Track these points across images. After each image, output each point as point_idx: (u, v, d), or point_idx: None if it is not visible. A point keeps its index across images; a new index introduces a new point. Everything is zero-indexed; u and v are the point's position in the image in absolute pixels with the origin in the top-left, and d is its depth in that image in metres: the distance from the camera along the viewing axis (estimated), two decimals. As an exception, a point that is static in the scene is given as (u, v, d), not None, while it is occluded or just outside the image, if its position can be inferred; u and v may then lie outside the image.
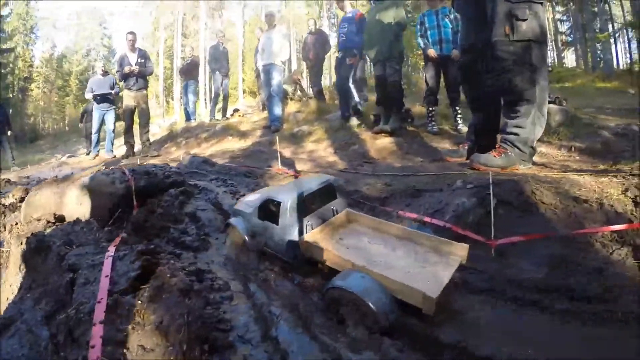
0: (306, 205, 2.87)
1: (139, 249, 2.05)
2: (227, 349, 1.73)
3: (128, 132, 11.60)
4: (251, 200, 3.21)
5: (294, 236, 2.73)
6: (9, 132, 15.17)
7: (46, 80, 47.34)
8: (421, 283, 2.16)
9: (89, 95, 12.31)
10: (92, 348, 1.51)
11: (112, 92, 12.16)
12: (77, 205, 3.97)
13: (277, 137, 5.30)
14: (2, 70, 36.06)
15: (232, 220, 3.18)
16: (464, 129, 7.41)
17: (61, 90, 48.42)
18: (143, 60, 10.95)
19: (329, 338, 1.94)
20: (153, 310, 1.63)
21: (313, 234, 2.79)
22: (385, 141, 7.23)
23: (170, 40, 31.84)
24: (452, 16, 7.64)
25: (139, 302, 1.67)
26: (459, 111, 7.77)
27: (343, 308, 2.16)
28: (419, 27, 8.06)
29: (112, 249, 2.23)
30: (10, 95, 37.02)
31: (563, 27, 33.70)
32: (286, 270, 2.83)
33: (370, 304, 2.01)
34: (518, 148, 4.06)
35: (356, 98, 8.86)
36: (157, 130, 18.04)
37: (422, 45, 7.97)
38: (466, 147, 5.16)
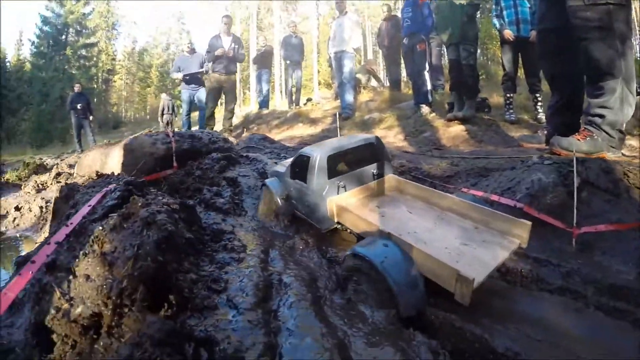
0: (340, 163, 2.51)
1: (125, 180, 1.76)
2: (207, 309, 1.43)
3: (211, 115, 10.92)
4: (289, 160, 2.89)
5: (323, 197, 2.36)
6: (91, 118, 16.02)
7: (128, 72, 50.18)
8: (460, 263, 1.74)
9: (176, 75, 11.24)
10: (32, 263, 1.31)
11: (202, 70, 11.06)
12: (118, 165, 3.92)
13: (337, 113, 4.96)
14: (87, 63, 38.56)
15: (267, 181, 2.88)
16: (544, 118, 6.67)
17: (142, 81, 51.06)
18: (237, 46, 10.53)
19: (343, 322, 1.56)
20: (111, 239, 1.33)
21: (345, 197, 2.42)
22: (459, 129, 6.69)
23: (246, 33, 32.41)
24: (530, -6, 6.98)
25: (101, 229, 1.36)
26: (540, 99, 7.01)
27: (362, 283, 1.77)
28: (494, 7, 7.43)
29: (112, 186, 1.98)
30: (95, 86, 39.37)
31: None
32: (321, 240, 2.49)
33: (388, 279, 1.61)
34: (605, 132, 3.41)
35: (428, 86, 8.39)
36: (233, 119, 18.37)
37: (497, 26, 7.28)
38: (545, 133, 4.54)
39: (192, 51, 11.38)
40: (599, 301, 1.81)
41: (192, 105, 11.43)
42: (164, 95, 17.63)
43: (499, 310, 1.77)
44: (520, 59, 7.23)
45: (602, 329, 1.64)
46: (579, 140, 3.35)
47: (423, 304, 1.69)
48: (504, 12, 7.10)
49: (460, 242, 2.01)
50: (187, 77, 11.03)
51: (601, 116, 3.35)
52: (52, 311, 1.23)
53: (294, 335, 1.41)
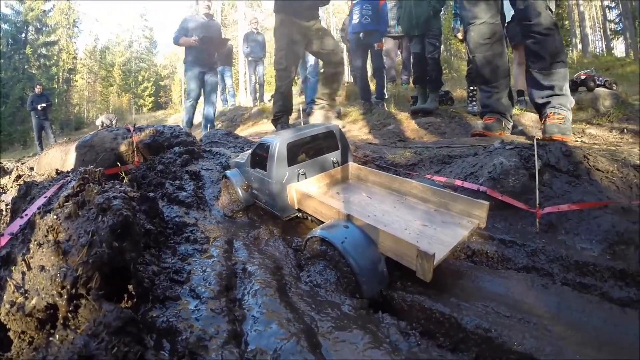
0: (300, 151, 2.52)
1: (82, 170, 1.71)
2: (168, 299, 1.41)
3: (286, 94, 7.62)
4: (250, 151, 2.87)
5: (284, 185, 2.37)
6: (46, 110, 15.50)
7: (90, 71, 48.55)
8: (420, 242, 1.76)
9: (186, 40, 8.31)
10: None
11: (227, 39, 9.08)
12: (79, 162, 3.81)
13: (301, 109, 4.93)
14: (47, 62, 37.41)
15: (228, 172, 2.87)
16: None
17: (105, 80, 49.52)
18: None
19: (310, 307, 1.55)
20: (66, 227, 1.28)
21: (304, 183, 2.43)
22: (422, 121, 6.72)
23: (211, 29, 32.29)
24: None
25: (55, 217, 1.31)
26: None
27: (325, 265, 1.79)
28: (454, 4, 7.60)
29: (69, 178, 1.92)
30: (55, 86, 38.01)
31: (612, 15, 31.65)
32: (285, 230, 2.51)
33: (348, 259, 1.64)
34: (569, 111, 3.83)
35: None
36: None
37: (456, 26, 7.53)
38: (492, 121, 4.56)
39: (210, 17, 8.95)
40: (565, 277, 1.85)
41: (201, 89, 9.07)
42: (102, 117, 17.57)
43: (467, 290, 1.79)
44: None
45: (569, 303, 1.66)
46: (560, 123, 3.59)
47: (385, 283, 1.72)
48: None
49: (420, 224, 2.04)
50: (200, 52, 8.53)
51: (565, 95, 3.76)
52: (7, 306, 1.17)
53: (259, 322, 1.39)
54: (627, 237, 2.04)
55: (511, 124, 4.49)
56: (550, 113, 3.72)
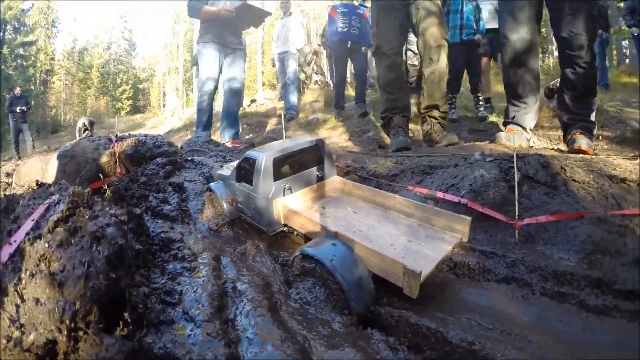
0: (285, 165, 2.52)
1: (70, 191, 1.70)
2: (163, 324, 1.41)
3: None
4: (234, 163, 2.88)
5: (269, 200, 2.38)
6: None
7: (68, 72, 47.64)
8: (405, 258, 1.79)
9: (207, 12, 6.27)
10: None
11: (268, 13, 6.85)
12: (60, 173, 3.77)
13: (282, 115, 4.95)
14: (24, 63, 36.71)
15: (212, 185, 2.86)
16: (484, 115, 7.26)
17: (82, 82, 48.71)
18: None
19: (301, 326, 1.57)
20: (59, 256, 1.27)
21: (290, 198, 2.44)
22: (403, 128, 6.75)
23: (190, 33, 31.99)
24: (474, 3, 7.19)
25: (47, 245, 1.31)
26: (481, 98, 7.46)
27: (313, 283, 1.82)
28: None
29: (55, 197, 1.90)
30: (32, 88, 37.29)
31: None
32: (271, 244, 2.52)
33: (337, 277, 1.66)
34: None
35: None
36: (177, 121, 18.07)
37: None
38: (514, 132, 4.66)
39: None
40: (544, 287, 1.89)
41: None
42: (83, 118, 17.23)
43: (451, 303, 1.83)
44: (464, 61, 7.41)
45: (548, 313, 1.71)
46: (588, 138, 3.99)
47: (372, 299, 1.75)
48: (450, 17, 7.26)
49: (405, 239, 2.07)
50: (224, 26, 6.43)
51: (586, 123, 4.15)
52: (4, 341, 1.15)
53: (254, 344, 1.41)
54: (603, 246, 2.10)
55: (530, 136, 4.70)
56: (577, 132, 4.06)
